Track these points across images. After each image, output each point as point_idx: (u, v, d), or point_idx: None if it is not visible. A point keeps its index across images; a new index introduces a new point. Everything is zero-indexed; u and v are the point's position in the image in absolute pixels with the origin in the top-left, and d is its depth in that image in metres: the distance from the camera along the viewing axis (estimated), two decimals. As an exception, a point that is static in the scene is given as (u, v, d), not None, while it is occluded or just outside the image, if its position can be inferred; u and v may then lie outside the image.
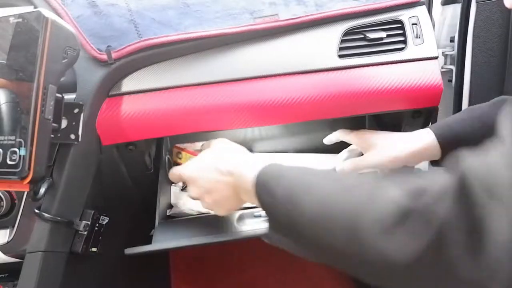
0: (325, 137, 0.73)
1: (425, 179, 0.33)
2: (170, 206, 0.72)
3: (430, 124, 0.65)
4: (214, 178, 0.53)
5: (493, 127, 0.34)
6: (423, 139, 0.58)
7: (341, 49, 0.62)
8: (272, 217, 0.44)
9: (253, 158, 0.52)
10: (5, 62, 0.45)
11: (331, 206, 0.37)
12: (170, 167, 0.78)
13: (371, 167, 0.62)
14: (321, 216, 0.37)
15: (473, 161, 0.30)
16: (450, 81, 0.91)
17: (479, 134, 0.54)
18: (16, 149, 0.43)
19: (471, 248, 0.27)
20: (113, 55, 0.55)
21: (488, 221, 0.27)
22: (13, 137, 0.43)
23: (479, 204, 0.27)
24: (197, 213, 0.69)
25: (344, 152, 0.72)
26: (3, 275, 0.60)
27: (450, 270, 0.28)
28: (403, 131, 0.65)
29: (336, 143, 0.71)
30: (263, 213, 0.63)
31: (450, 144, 0.57)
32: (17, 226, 0.54)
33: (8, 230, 0.55)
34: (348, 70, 0.61)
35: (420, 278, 0.31)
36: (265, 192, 0.44)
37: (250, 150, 0.86)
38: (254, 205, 0.69)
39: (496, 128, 0.31)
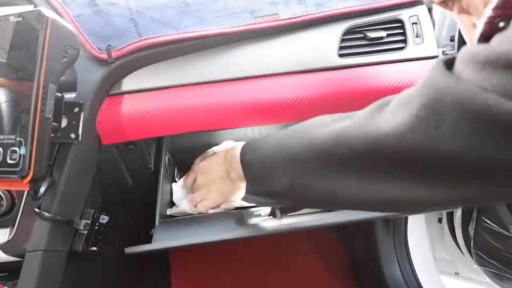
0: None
1: None
2: (170, 205, 0.72)
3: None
4: (209, 160, 0.64)
5: None
6: None
7: (341, 48, 0.62)
8: (249, 173, 0.51)
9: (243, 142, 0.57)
10: (5, 61, 0.45)
11: (289, 133, 0.47)
12: (170, 167, 0.78)
13: None
14: (281, 142, 0.47)
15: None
16: (450, 80, 0.91)
17: None
18: (16, 148, 0.43)
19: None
20: (113, 54, 0.55)
21: (388, 114, 0.36)
22: (13, 136, 0.43)
23: (388, 108, 0.36)
24: (197, 212, 0.69)
25: None
26: (3, 274, 0.60)
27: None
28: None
29: None
30: (262, 212, 0.64)
31: None
32: (17, 225, 0.54)
33: (8, 229, 0.55)
34: (348, 70, 0.61)
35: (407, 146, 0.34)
36: (245, 153, 0.52)
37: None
38: (252, 205, 0.70)
39: None
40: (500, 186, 0.31)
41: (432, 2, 0.46)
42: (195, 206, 0.66)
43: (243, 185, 0.57)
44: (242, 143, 0.55)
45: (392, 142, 0.33)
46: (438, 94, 0.31)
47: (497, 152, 0.28)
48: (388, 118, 0.35)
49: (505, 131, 0.27)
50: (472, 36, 0.42)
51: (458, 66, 0.32)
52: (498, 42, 0.30)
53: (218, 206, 0.68)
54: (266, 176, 0.47)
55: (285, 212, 0.58)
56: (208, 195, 0.64)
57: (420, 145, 0.31)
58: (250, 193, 0.51)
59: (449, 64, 0.33)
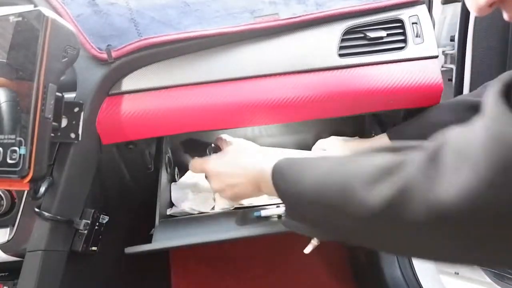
0: (324, 136, 0.73)
1: (410, 144, 0.38)
2: (170, 205, 0.72)
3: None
4: (237, 174, 0.57)
5: (436, 127, 0.40)
6: (379, 142, 0.64)
7: (341, 48, 0.62)
8: (286, 201, 0.47)
9: (271, 154, 0.55)
10: (5, 61, 0.45)
11: (329, 175, 0.41)
12: (170, 166, 0.78)
13: None
14: (321, 185, 0.41)
15: (453, 131, 0.33)
16: (450, 80, 0.91)
17: (421, 132, 0.58)
18: (16, 148, 0.43)
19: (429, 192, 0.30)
20: (113, 54, 0.55)
21: (449, 173, 0.30)
22: (13, 136, 0.43)
23: (446, 162, 0.31)
24: (197, 212, 0.69)
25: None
26: (3, 274, 0.60)
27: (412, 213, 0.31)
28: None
29: None
30: (263, 212, 0.63)
31: None
32: (17, 225, 0.54)
33: (8, 229, 0.55)
34: (348, 69, 0.61)
35: (394, 222, 0.33)
36: (279, 178, 0.47)
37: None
38: (252, 205, 0.70)
39: (481, 107, 0.33)
40: None
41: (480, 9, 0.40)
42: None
43: (259, 190, 0.55)
44: (265, 155, 0.53)
45: (461, 213, 0.29)
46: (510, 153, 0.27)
47: None
48: (450, 179, 0.30)
49: None
50: (476, 1, 0.39)
51: None
52: None
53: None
54: (305, 214, 0.44)
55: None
56: (233, 201, 0.63)
57: (497, 215, 0.28)
58: (290, 217, 0.48)
59: (509, 94, 0.29)
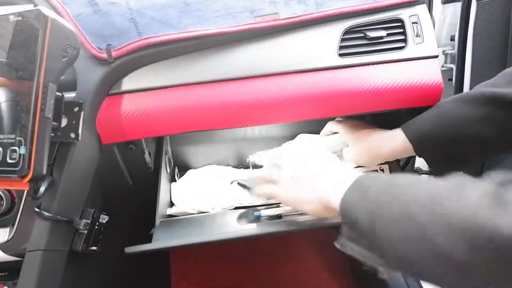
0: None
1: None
2: (170, 205, 0.72)
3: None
4: (311, 200, 0.53)
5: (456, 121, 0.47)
6: (397, 139, 0.61)
7: (341, 48, 0.61)
8: (351, 226, 0.44)
9: (340, 178, 0.49)
10: (5, 60, 0.45)
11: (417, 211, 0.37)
12: (170, 166, 0.78)
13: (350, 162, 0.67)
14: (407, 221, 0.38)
15: None
16: (451, 79, 0.91)
17: (441, 129, 0.57)
18: (16, 148, 0.43)
19: None
20: (113, 54, 0.55)
21: None
22: (13, 136, 0.43)
23: None
24: (197, 212, 0.69)
25: (331, 140, 0.72)
26: (3, 274, 0.60)
27: None
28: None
29: None
30: (263, 212, 0.63)
31: (419, 141, 0.59)
32: (17, 225, 0.54)
33: (8, 229, 0.55)
34: (348, 69, 0.61)
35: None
36: (345, 205, 0.45)
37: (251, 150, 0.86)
38: (253, 205, 0.70)
39: None
40: None
41: None
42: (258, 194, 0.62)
43: (327, 213, 0.51)
44: (336, 179, 0.49)
45: None
46: None
47: None
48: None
49: None
50: None
51: None
52: None
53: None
54: (374, 233, 0.41)
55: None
56: (287, 202, 0.58)
57: None
58: (350, 239, 0.45)
59: None
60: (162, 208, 0.66)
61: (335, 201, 0.47)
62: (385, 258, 0.42)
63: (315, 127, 0.79)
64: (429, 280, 0.39)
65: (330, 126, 0.72)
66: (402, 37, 0.63)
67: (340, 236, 0.46)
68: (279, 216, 0.64)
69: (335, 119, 0.72)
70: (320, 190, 0.51)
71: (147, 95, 0.58)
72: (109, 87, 0.57)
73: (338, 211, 0.46)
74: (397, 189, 0.41)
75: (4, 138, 0.43)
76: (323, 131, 0.74)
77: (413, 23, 0.63)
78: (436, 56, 0.63)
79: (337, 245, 0.47)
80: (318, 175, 0.53)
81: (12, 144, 0.43)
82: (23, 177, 0.43)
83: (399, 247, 0.38)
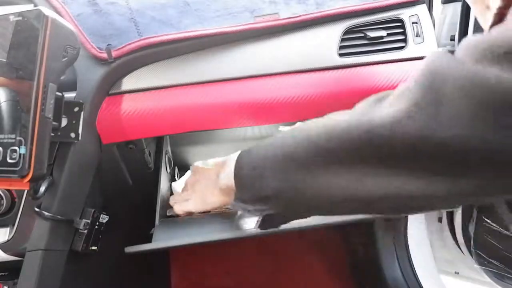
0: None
1: None
2: (170, 206, 0.72)
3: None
4: (210, 191, 0.58)
5: None
6: None
7: (341, 47, 0.62)
8: (239, 177, 0.47)
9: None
10: (5, 60, 0.45)
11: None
12: (170, 166, 0.78)
13: None
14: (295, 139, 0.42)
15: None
16: (451, 80, 0.91)
17: None
18: (16, 148, 0.43)
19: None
20: (113, 54, 0.55)
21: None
22: (13, 136, 0.43)
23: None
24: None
25: None
26: (3, 274, 0.60)
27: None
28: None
29: None
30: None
31: None
32: (17, 225, 0.54)
33: (8, 229, 0.55)
34: (348, 69, 0.61)
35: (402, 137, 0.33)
36: (240, 160, 0.47)
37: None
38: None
39: None
40: (502, 177, 0.29)
41: None
42: (173, 205, 0.65)
43: (227, 197, 0.55)
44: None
45: (386, 130, 0.32)
46: (438, 79, 0.30)
47: (499, 138, 0.27)
48: (385, 108, 0.34)
49: (506, 111, 0.26)
50: (486, 22, 0.39)
51: (459, 54, 0.31)
52: (496, 31, 0.29)
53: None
54: (256, 179, 0.44)
55: (271, 225, 0.54)
56: (191, 196, 0.62)
57: (418, 132, 0.30)
58: (239, 200, 0.48)
59: (450, 53, 0.32)
60: (162, 208, 0.66)
61: (231, 179, 0.49)
62: (267, 199, 0.44)
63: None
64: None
65: None
66: (402, 37, 0.63)
67: (233, 201, 0.49)
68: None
69: None
70: (219, 180, 0.55)
71: (147, 95, 0.58)
72: (109, 87, 0.57)
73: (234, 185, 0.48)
74: (271, 139, 0.45)
75: (4, 138, 0.43)
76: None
77: (413, 23, 0.63)
78: (436, 56, 0.62)
79: (230, 206, 0.51)
80: (216, 170, 0.58)
81: (12, 144, 0.43)
82: (23, 177, 0.43)
83: (274, 176, 0.42)
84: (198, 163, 0.63)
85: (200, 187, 0.60)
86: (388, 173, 0.34)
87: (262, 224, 0.53)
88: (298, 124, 0.45)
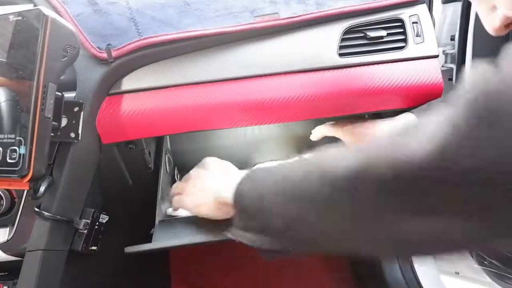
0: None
1: None
2: (170, 205, 0.72)
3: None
4: (204, 197, 0.57)
5: None
6: (405, 117, 0.61)
7: (341, 47, 0.61)
8: (243, 206, 0.46)
9: (236, 177, 0.50)
10: (4, 60, 0.45)
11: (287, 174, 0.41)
12: (170, 166, 0.78)
13: None
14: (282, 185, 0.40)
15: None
16: (451, 79, 0.91)
17: None
18: (16, 148, 0.43)
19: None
20: (113, 54, 0.55)
21: None
22: (13, 136, 0.43)
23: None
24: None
25: None
26: (3, 274, 0.59)
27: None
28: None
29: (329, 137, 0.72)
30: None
31: None
32: (17, 225, 0.54)
33: (8, 229, 0.55)
34: (348, 69, 0.61)
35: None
36: (242, 186, 0.46)
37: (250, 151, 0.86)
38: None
39: None
40: None
41: None
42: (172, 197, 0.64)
43: (219, 213, 0.55)
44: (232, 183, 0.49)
45: (428, 163, 0.26)
46: (489, 98, 0.25)
47: None
48: (421, 136, 0.28)
49: None
50: (491, 22, 0.38)
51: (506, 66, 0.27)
52: None
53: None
54: (263, 210, 0.42)
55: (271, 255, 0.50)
56: (188, 192, 0.60)
57: (471, 160, 0.25)
58: (240, 228, 0.46)
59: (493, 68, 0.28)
60: (162, 208, 0.66)
61: (229, 195, 0.48)
62: (273, 233, 0.42)
63: (314, 126, 0.79)
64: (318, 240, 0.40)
65: (322, 130, 0.71)
66: (402, 37, 0.63)
67: (232, 226, 0.48)
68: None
69: (325, 123, 0.72)
70: (217, 189, 0.54)
71: (147, 95, 0.58)
72: (109, 87, 0.57)
73: (231, 204, 0.48)
74: (280, 169, 0.44)
75: (4, 138, 0.43)
76: (313, 136, 0.73)
77: (413, 23, 0.63)
78: (436, 56, 0.62)
79: (228, 235, 0.48)
80: (216, 177, 0.57)
81: (12, 144, 0.43)
82: (23, 177, 0.43)
83: (283, 211, 0.40)
84: (210, 159, 0.62)
85: (200, 186, 0.59)
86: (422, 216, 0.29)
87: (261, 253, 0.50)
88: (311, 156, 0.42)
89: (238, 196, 0.46)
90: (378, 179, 0.30)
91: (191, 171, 0.62)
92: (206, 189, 0.57)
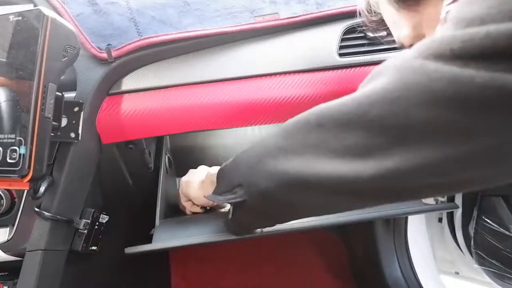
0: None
1: None
2: (170, 205, 0.72)
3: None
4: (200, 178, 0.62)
5: None
6: None
7: (341, 47, 0.61)
8: (219, 173, 0.50)
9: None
10: (5, 60, 0.45)
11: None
12: (170, 166, 0.78)
13: None
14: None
15: None
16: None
17: None
18: (16, 148, 0.43)
19: None
20: (113, 54, 0.55)
21: None
22: (13, 136, 0.43)
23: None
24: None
25: None
26: (3, 274, 0.60)
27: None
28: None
29: None
30: None
31: None
32: (17, 225, 0.54)
33: (8, 229, 0.55)
34: (348, 69, 0.61)
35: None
36: (220, 170, 0.51)
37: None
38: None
39: None
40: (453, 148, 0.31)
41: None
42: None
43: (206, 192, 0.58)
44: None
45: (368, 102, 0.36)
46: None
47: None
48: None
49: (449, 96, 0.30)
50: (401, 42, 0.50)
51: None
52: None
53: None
54: (232, 170, 0.47)
55: (243, 228, 0.55)
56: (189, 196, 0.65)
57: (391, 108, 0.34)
58: (218, 193, 0.49)
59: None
60: (162, 208, 0.66)
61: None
62: (243, 184, 0.45)
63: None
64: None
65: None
66: (402, 37, 0.63)
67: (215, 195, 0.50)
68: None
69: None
70: (210, 170, 0.61)
71: (147, 95, 0.58)
72: (109, 87, 0.57)
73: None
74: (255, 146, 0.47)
75: (4, 138, 0.43)
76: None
77: (413, 23, 0.63)
78: (436, 56, 0.62)
79: (205, 196, 0.52)
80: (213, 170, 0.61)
81: (12, 144, 0.43)
82: (23, 177, 0.43)
83: (247, 160, 0.45)
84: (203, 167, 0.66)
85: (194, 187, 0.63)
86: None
87: (233, 227, 0.55)
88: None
89: (221, 170, 0.50)
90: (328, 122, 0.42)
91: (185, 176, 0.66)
92: (200, 171, 0.63)
